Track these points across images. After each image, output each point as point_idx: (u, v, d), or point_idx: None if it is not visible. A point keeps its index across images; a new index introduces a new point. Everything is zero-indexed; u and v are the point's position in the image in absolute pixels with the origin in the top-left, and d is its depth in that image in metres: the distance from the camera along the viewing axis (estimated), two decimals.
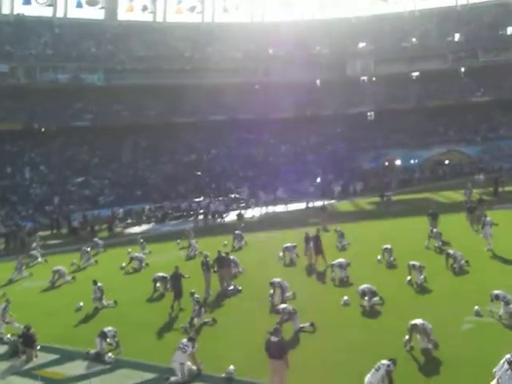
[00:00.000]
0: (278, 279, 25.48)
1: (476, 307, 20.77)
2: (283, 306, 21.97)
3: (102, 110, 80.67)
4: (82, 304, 27.04)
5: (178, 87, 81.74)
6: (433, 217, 36.34)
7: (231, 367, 17.67)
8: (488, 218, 31.42)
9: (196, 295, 23.86)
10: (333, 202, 62.38)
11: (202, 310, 23.51)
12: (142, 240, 41.18)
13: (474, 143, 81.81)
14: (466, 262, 27.50)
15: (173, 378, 17.53)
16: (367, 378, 14.96)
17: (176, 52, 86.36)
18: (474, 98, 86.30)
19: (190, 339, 18.39)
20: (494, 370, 14.26)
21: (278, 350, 16.24)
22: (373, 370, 15.04)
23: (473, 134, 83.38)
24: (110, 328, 21.22)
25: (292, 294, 25.29)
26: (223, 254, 28.76)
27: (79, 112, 79.07)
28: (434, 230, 33.64)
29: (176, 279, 26.00)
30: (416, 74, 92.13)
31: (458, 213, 39.95)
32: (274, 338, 16.58)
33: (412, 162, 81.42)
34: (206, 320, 23.26)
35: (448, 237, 33.07)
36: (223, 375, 17.64)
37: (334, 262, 28.07)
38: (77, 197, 68.75)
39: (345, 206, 60.75)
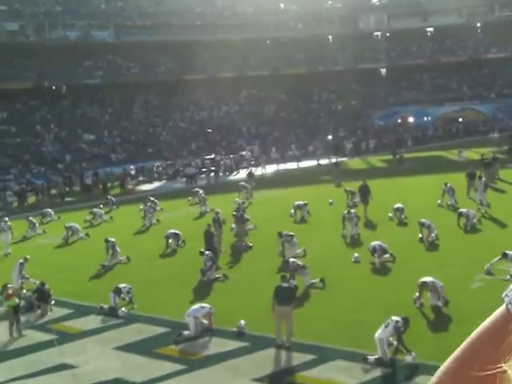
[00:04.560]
0: (286, 232, 25.63)
1: (487, 265, 20.77)
2: (291, 259, 22.19)
3: (112, 67, 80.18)
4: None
5: (189, 43, 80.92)
6: (470, 177, 35.08)
7: (242, 322, 17.86)
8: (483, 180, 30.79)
9: (207, 252, 24.02)
10: (344, 159, 62.10)
11: (214, 266, 23.70)
12: (152, 198, 41.18)
13: (488, 100, 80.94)
14: (479, 220, 27.52)
15: (185, 332, 17.75)
16: (377, 333, 15.07)
17: (187, 7, 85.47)
18: (489, 54, 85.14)
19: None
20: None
21: (287, 296, 16.65)
22: (382, 326, 15.14)
23: (487, 90, 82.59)
24: (124, 284, 21.49)
25: (302, 251, 25.42)
26: (235, 212, 29.10)
27: (89, 69, 78.57)
28: (476, 190, 32.93)
29: (209, 237, 25.90)
30: (430, 29, 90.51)
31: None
32: (284, 284, 17.03)
33: (425, 119, 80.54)
34: (217, 275, 23.47)
35: (461, 195, 33.02)
36: (234, 329, 17.86)
37: (343, 231, 28.06)
38: (88, 154, 68.75)
39: (356, 163, 60.56)
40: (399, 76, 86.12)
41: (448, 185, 32.95)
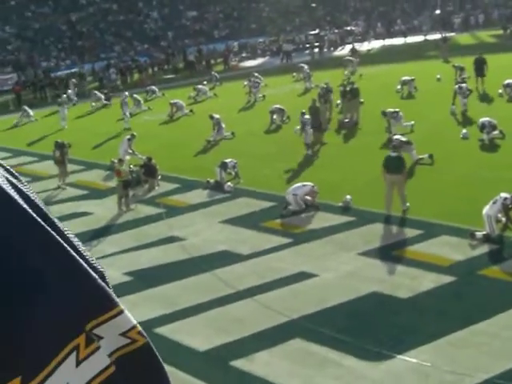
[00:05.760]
0: (391, 110, 25.19)
1: None
2: (396, 136, 21.88)
3: None
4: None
5: None
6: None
7: (348, 196, 17.85)
8: None
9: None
10: (453, 34, 59.71)
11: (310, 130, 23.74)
12: (256, 74, 40.97)
13: None
14: None
15: (291, 207, 17.91)
16: (485, 210, 14.81)
17: None
18: None
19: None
20: None
21: (397, 164, 16.76)
22: (490, 203, 14.84)
23: None
24: (230, 159, 21.72)
25: (410, 125, 24.96)
26: (347, 88, 28.73)
27: None
28: None
29: (314, 112, 25.64)
30: None
31: None
32: (393, 154, 17.13)
33: None
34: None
35: None
36: (340, 204, 17.90)
37: (453, 107, 27.27)
38: (191, 31, 68.70)
39: (465, 38, 58.21)
40: None
41: None
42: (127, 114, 33.10)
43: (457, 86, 27.85)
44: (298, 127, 24.71)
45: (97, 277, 0.92)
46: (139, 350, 0.95)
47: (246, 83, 38.66)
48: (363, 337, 11.14)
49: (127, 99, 34.42)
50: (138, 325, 0.95)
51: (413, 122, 25.04)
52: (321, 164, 22.66)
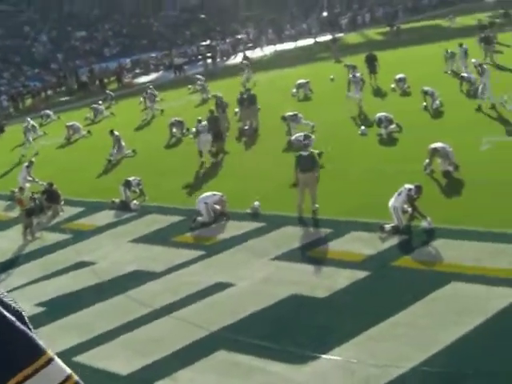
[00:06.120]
0: (290, 113, 25.43)
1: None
2: (293, 137, 22.19)
3: None
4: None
5: None
6: (486, 41, 34.20)
7: (256, 203, 17.81)
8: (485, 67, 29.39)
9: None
10: (341, 34, 60.98)
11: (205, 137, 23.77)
12: (151, 87, 40.60)
13: None
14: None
15: (199, 218, 17.74)
16: (391, 202, 15.02)
17: None
18: None
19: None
20: None
21: (310, 162, 16.89)
22: (395, 195, 15.07)
23: None
24: (133, 177, 21.38)
25: (312, 125, 25.21)
26: (244, 95, 28.76)
27: None
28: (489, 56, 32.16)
29: (214, 121, 25.54)
30: None
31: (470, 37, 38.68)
32: (304, 152, 17.22)
33: None
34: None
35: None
36: (248, 211, 17.84)
37: (348, 93, 27.86)
38: (81, 51, 67.66)
39: (354, 37, 59.56)
40: None
41: (449, 51, 32.47)
42: (30, 139, 32.40)
43: (351, 75, 28.42)
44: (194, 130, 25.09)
45: (14, 320, 0.74)
46: None
47: (141, 99, 38.32)
48: (286, 341, 11.06)
49: (30, 125, 33.67)
50: (73, 374, 0.77)
51: (313, 124, 25.25)
52: (225, 173, 22.60)
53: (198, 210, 17.93)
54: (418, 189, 15.06)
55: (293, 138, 22.58)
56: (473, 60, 29.86)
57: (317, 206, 16.98)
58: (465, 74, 27.59)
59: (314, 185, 16.98)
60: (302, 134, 22.32)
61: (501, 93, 23.67)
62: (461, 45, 32.04)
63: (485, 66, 26.26)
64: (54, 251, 18.18)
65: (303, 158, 17.08)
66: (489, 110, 23.44)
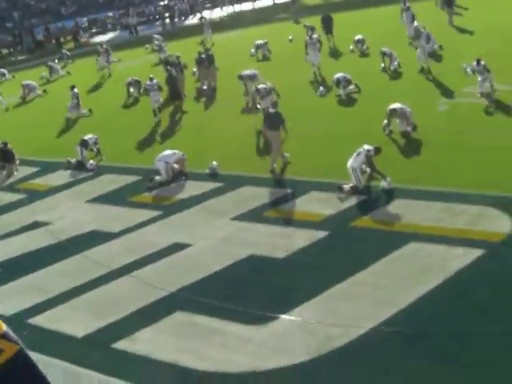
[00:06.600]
0: (248, 71, 25.17)
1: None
2: (260, 86, 22.20)
3: None
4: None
5: None
6: (448, 3, 33.17)
7: (214, 162, 17.66)
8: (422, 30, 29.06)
9: None
10: None
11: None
12: (105, 46, 39.79)
13: None
14: (440, 46, 26.92)
15: (157, 178, 17.55)
16: (349, 162, 15.00)
17: None
18: None
19: None
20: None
21: (276, 120, 17.03)
22: (354, 155, 15.04)
23: None
24: (90, 136, 21.00)
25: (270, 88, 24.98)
26: (203, 55, 28.36)
27: None
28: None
29: (171, 81, 25.09)
30: None
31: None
32: (271, 110, 17.55)
33: None
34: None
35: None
36: (207, 171, 17.67)
37: (307, 57, 27.49)
38: (37, 10, 66.13)
39: None
40: None
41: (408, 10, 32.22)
42: None
43: (307, 37, 28.11)
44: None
45: None
46: (11, 360, 0.66)
47: (97, 58, 37.72)
48: (245, 301, 11.02)
49: None
50: (4, 328, 0.65)
51: (272, 86, 24.93)
52: (183, 133, 22.37)
53: (157, 169, 17.74)
54: (377, 149, 15.07)
55: (259, 86, 22.36)
56: (415, 23, 29.85)
57: (287, 154, 17.39)
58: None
59: (279, 142, 17.09)
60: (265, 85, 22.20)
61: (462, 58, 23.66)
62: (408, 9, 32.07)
63: (422, 30, 26.50)
64: (9, 211, 17.93)
65: (270, 116, 17.34)
66: (446, 71, 23.43)
